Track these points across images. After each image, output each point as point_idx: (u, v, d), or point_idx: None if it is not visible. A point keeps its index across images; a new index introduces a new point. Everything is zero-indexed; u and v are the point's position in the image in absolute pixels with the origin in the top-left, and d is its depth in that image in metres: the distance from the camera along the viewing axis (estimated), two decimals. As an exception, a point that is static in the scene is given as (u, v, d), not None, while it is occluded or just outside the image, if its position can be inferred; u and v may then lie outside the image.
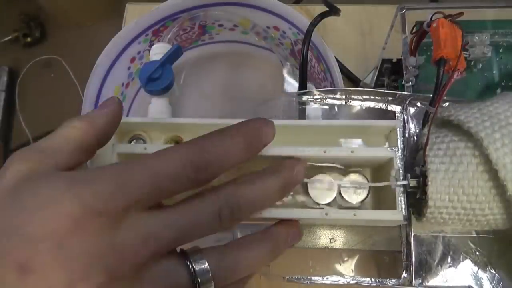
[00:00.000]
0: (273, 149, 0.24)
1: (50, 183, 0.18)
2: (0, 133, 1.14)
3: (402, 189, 0.25)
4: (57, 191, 0.17)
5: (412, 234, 0.27)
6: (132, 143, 0.27)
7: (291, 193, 0.27)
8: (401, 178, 0.26)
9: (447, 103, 0.28)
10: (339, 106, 0.29)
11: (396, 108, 0.29)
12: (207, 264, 0.20)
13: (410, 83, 0.32)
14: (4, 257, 0.16)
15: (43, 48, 1.23)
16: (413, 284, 0.26)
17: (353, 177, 0.26)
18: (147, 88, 0.33)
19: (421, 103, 0.28)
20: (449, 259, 0.26)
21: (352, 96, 0.29)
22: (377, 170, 0.27)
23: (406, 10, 0.32)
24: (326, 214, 0.24)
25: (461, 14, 0.27)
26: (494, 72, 0.34)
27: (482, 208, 0.23)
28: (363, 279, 0.27)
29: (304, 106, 0.29)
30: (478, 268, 0.26)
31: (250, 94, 0.47)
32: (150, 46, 0.39)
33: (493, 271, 0.26)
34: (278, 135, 0.27)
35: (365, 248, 0.29)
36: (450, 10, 0.27)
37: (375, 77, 0.40)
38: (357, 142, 0.27)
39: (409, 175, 0.25)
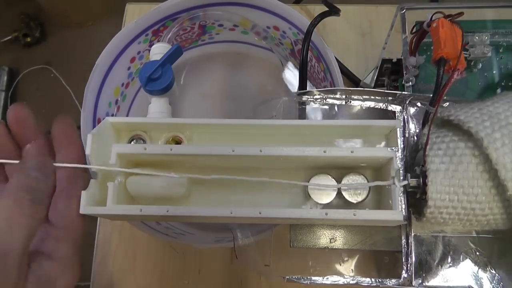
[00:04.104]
0: (273, 149, 0.24)
1: None
2: (0, 133, 1.14)
3: (402, 189, 0.25)
4: None
5: (412, 234, 0.27)
6: (132, 143, 0.27)
7: (291, 194, 0.27)
8: (401, 178, 0.26)
9: (447, 103, 0.28)
10: (339, 106, 0.29)
11: (396, 108, 0.29)
12: None
13: (410, 83, 0.32)
14: None
15: (43, 48, 1.23)
16: (413, 284, 0.26)
17: (353, 177, 0.26)
18: (147, 88, 0.33)
19: (421, 103, 0.28)
20: (449, 259, 0.26)
21: (352, 96, 0.29)
22: (377, 170, 0.27)
23: (406, 10, 0.32)
24: (326, 214, 0.24)
25: (461, 14, 0.27)
26: (494, 72, 0.34)
27: (482, 208, 0.23)
28: (363, 279, 0.26)
29: (304, 106, 0.29)
30: (478, 268, 0.26)
31: (250, 94, 0.47)
32: (150, 46, 0.39)
33: (493, 271, 0.26)
34: (278, 135, 0.27)
35: (365, 248, 0.29)
36: (450, 10, 0.27)
37: (375, 77, 0.40)
38: (357, 142, 0.27)
39: (409, 175, 0.25)
